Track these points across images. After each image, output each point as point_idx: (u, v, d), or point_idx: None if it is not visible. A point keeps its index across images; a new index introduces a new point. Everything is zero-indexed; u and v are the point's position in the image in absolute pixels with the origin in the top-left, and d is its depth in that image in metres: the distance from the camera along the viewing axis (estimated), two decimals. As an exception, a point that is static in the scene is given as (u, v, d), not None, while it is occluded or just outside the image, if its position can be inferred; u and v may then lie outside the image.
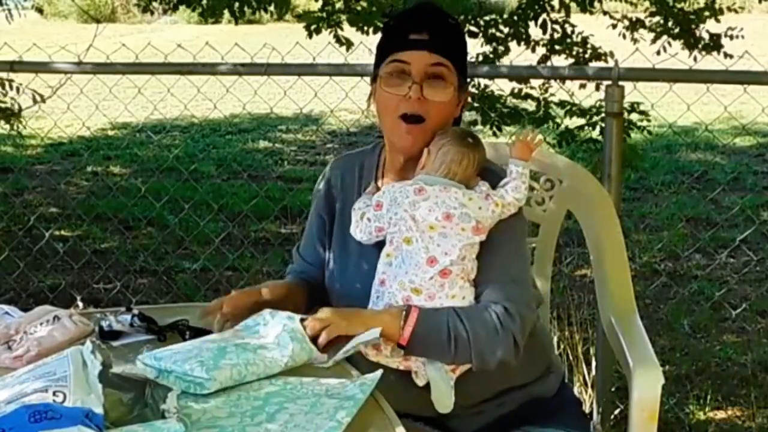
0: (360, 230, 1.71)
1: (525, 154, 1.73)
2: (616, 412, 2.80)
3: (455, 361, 1.63)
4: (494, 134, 3.72)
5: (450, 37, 1.72)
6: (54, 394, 1.23)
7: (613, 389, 2.79)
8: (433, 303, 1.62)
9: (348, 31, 3.92)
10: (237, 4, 3.94)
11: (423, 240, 1.62)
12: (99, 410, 1.21)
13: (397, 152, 1.76)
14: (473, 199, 1.66)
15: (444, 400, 1.63)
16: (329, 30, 3.83)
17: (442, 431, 1.77)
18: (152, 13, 4.57)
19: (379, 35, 3.82)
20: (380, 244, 1.71)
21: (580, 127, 3.55)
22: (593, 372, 2.84)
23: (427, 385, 1.65)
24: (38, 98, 3.84)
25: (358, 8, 3.91)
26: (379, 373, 1.51)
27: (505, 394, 1.76)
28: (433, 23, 1.71)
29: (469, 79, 1.83)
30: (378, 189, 1.76)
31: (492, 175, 1.73)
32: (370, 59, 3.51)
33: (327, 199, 1.86)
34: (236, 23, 4.08)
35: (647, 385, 1.85)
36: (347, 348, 1.56)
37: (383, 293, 1.66)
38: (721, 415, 3.11)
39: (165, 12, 5.13)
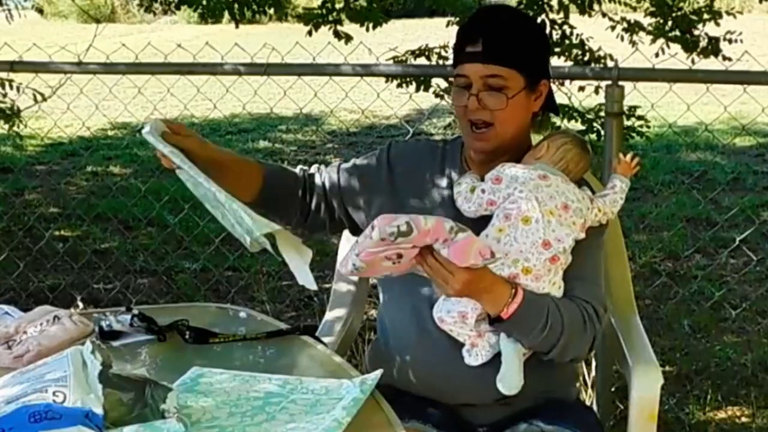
0: (469, 201, 1.72)
1: (628, 171, 1.83)
2: (616, 412, 2.80)
3: (536, 347, 1.67)
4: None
5: (507, 43, 1.73)
6: (54, 394, 1.23)
7: (613, 389, 2.79)
8: (537, 285, 1.65)
9: (347, 27, 3.93)
10: (236, 6, 3.95)
11: (542, 222, 1.65)
12: (99, 410, 1.21)
13: (471, 151, 1.82)
14: (585, 198, 1.73)
15: (513, 380, 1.65)
16: (329, 26, 3.83)
17: (453, 424, 1.77)
18: (154, 13, 4.56)
19: (378, 30, 3.85)
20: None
21: (581, 132, 3.54)
22: (593, 372, 2.84)
23: (476, 367, 1.68)
24: (38, 97, 3.85)
25: (358, 7, 3.92)
26: (378, 372, 1.51)
27: (532, 393, 1.76)
28: (487, 33, 1.73)
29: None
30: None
31: (585, 184, 1.80)
32: (371, 59, 3.54)
33: (390, 168, 1.86)
34: (237, 26, 4.09)
35: (647, 385, 1.85)
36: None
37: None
38: (721, 415, 3.11)
39: (165, 12, 5.13)
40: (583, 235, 1.70)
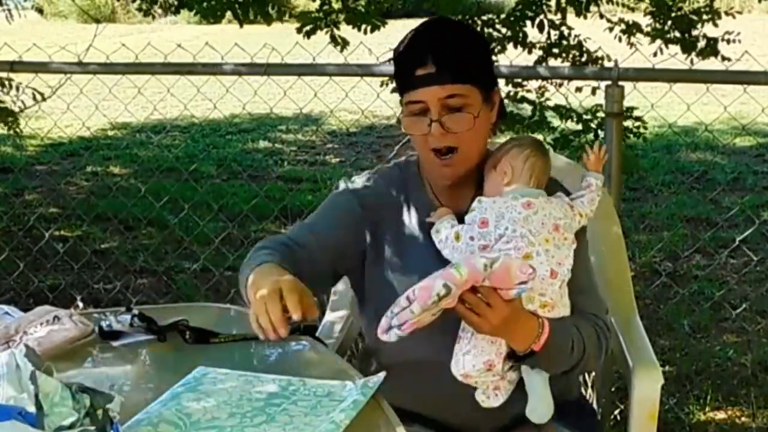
0: (458, 251, 1.61)
1: (599, 165, 1.76)
2: (616, 412, 2.80)
3: (562, 370, 1.65)
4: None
5: (458, 59, 1.62)
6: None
7: (613, 389, 2.79)
8: (553, 313, 1.61)
9: (345, 30, 3.93)
10: (238, 7, 3.95)
11: (543, 254, 1.59)
12: (31, 409, 1.22)
13: (438, 179, 1.73)
14: (567, 209, 1.67)
15: (544, 410, 1.63)
16: (325, 30, 3.84)
17: (455, 426, 1.76)
18: (153, 17, 4.56)
19: (377, 34, 3.86)
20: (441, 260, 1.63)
21: (577, 132, 3.55)
22: (593, 372, 2.84)
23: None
24: (38, 97, 3.85)
25: (358, 8, 3.92)
26: (382, 375, 1.50)
27: None
28: (436, 51, 1.61)
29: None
30: (442, 208, 1.71)
31: (557, 188, 1.74)
32: (371, 59, 3.55)
33: (367, 214, 1.75)
34: (241, 26, 4.09)
35: (647, 385, 1.85)
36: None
37: None
38: (721, 415, 3.11)
39: (166, 14, 5.13)
40: (575, 245, 1.65)
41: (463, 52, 1.64)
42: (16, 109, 4.08)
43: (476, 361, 1.57)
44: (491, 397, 1.64)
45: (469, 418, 1.71)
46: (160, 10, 4.49)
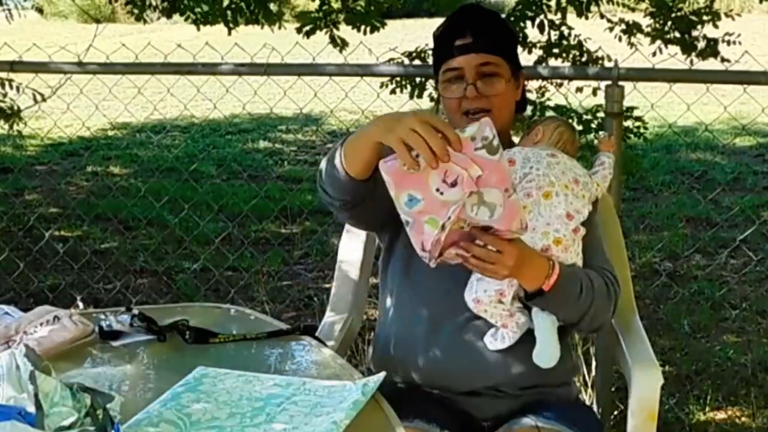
0: None
1: (611, 147, 1.92)
2: (616, 412, 2.80)
3: (569, 317, 1.71)
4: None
5: (493, 33, 1.83)
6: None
7: (613, 389, 2.79)
8: (566, 255, 1.69)
9: (345, 30, 3.93)
10: (230, 13, 3.96)
11: (561, 195, 1.71)
12: (31, 409, 1.22)
13: None
14: (586, 173, 1.81)
15: (550, 353, 1.69)
16: (325, 31, 3.84)
17: (458, 420, 1.77)
18: (144, 20, 4.57)
19: (377, 35, 3.86)
20: None
21: (578, 133, 3.55)
22: (593, 372, 2.84)
23: (494, 352, 1.72)
24: (38, 98, 3.85)
25: (357, 8, 3.92)
26: (382, 375, 1.50)
27: (538, 387, 1.78)
28: (475, 25, 1.82)
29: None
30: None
31: None
32: (371, 59, 3.54)
33: None
34: (229, 33, 4.10)
35: (647, 385, 1.85)
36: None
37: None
38: (721, 415, 3.11)
39: (159, 18, 5.13)
40: (591, 208, 1.76)
41: (497, 29, 1.87)
42: (16, 108, 4.08)
43: (488, 287, 1.67)
44: (498, 339, 1.71)
45: (475, 374, 1.75)
46: (152, 15, 4.50)
